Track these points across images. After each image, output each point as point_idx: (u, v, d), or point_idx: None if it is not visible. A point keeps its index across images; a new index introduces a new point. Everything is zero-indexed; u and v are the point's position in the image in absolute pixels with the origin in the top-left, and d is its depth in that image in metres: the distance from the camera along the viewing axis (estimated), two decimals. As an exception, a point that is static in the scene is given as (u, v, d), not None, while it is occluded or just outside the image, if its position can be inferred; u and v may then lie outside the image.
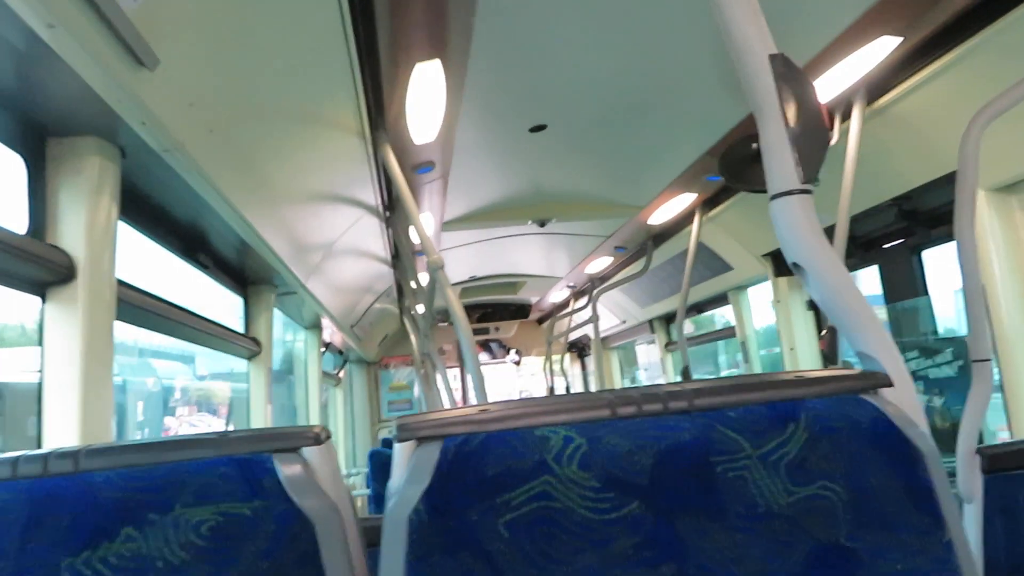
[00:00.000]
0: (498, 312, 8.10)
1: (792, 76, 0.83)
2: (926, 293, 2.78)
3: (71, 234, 1.35)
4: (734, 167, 2.63)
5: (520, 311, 8.12)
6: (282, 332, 4.35)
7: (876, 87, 2.27)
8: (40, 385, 1.32)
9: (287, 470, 0.73)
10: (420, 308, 4.58)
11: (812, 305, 3.71)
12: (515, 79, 2.26)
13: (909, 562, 0.69)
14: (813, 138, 0.83)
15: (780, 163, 0.84)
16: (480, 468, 0.68)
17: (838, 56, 2.04)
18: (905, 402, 0.75)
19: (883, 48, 2.03)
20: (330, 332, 4.82)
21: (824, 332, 2.64)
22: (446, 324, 7.55)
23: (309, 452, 0.76)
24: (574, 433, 0.70)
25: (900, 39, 1.99)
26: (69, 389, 1.30)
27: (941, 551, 0.70)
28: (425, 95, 2.10)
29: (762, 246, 3.66)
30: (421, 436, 0.71)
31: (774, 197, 0.86)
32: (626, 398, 0.73)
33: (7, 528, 0.67)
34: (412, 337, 5.62)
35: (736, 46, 0.86)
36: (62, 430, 1.29)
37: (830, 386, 0.75)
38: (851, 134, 2.31)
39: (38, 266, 1.26)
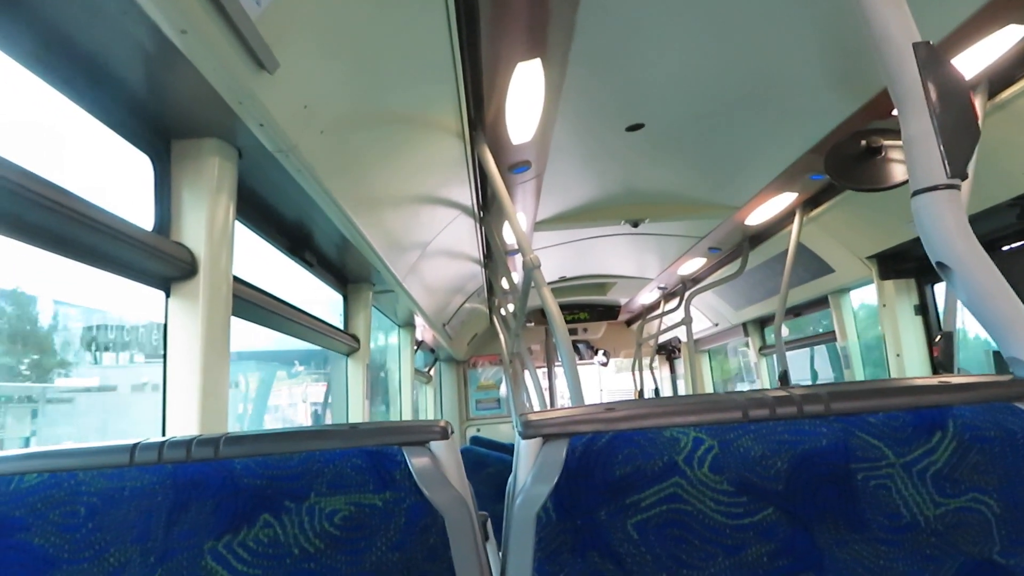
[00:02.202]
0: (586, 313, 8.05)
1: (938, 65, 0.78)
2: (1052, 299, 2.59)
3: (193, 232, 1.41)
4: (841, 165, 2.52)
5: (608, 312, 8.04)
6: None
7: (1000, 79, 2.13)
8: (164, 374, 1.39)
9: (417, 463, 0.74)
10: (510, 308, 4.60)
11: (920, 310, 3.53)
12: (614, 77, 2.24)
13: None
14: (961, 130, 0.78)
15: (925, 156, 0.80)
16: (608, 467, 0.67)
17: (959, 46, 1.93)
18: None
19: (1009, 37, 1.90)
20: (421, 331, 4.91)
21: (938, 338, 2.49)
22: (532, 324, 7.57)
23: (437, 446, 0.77)
24: (704, 435, 0.68)
25: None
26: (190, 378, 1.37)
27: None
28: (524, 95, 2.11)
29: (867, 247, 3.50)
30: (547, 434, 0.71)
31: (917, 193, 0.81)
32: (758, 401, 0.70)
33: (155, 510, 0.70)
34: (501, 337, 5.65)
35: (876, 35, 0.82)
36: (182, 417, 1.35)
37: (980, 393, 0.71)
38: None
39: (164, 262, 1.33)
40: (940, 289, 3.52)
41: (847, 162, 2.51)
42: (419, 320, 4.28)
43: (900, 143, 2.43)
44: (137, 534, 0.69)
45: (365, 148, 1.80)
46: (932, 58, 0.79)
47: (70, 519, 0.70)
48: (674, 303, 6.00)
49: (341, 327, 2.95)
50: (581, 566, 0.66)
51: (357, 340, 2.95)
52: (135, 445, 0.75)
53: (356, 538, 0.70)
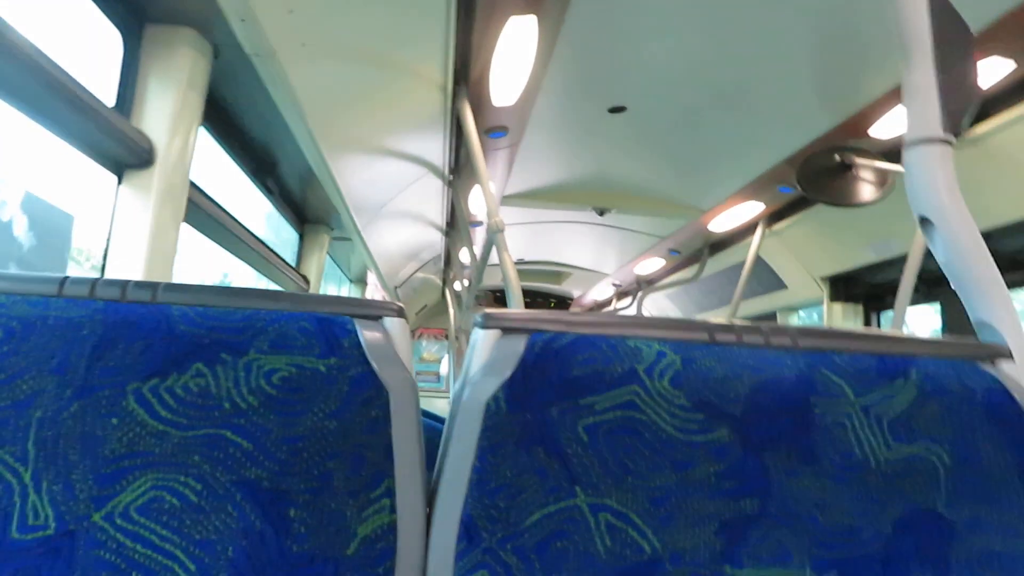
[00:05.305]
0: (537, 302, 8.04)
1: (951, 21, 0.79)
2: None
3: (154, 121, 1.35)
4: (813, 176, 2.55)
5: (560, 304, 8.05)
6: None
7: (980, 111, 2.17)
8: (103, 268, 1.33)
9: (368, 336, 0.71)
10: (465, 283, 4.57)
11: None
12: (605, 52, 2.22)
13: (1008, 543, 0.65)
14: (962, 88, 0.78)
15: (924, 108, 0.80)
16: (566, 367, 0.66)
17: None
18: None
19: (993, 70, 1.94)
20: (372, 290, 4.84)
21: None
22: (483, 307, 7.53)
23: (391, 323, 0.74)
24: (668, 349, 0.68)
25: (1013, 63, 1.90)
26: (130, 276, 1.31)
27: None
28: (514, 53, 2.07)
29: (823, 268, 3.57)
30: (506, 327, 0.69)
31: (910, 145, 0.82)
32: (726, 327, 0.70)
33: (79, 343, 0.66)
34: (451, 310, 5.62)
35: None
36: None
37: (946, 349, 0.72)
38: None
39: (118, 143, 1.27)
40: (886, 319, 3.61)
41: (819, 174, 2.54)
42: (371, 278, 4.22)
43: (872, 163, 2.47)
44: (56, 365, 0.65)
45: (344, 77, 1.75)
46: (944, 10, 0.79)
47: None
48: (626, 302, 6.04)
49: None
50: (525, 460, 0.65)
51: (307, 281, 2.90)
52: (65, 278, 0.71)
53: (292, 400, 0.67)
